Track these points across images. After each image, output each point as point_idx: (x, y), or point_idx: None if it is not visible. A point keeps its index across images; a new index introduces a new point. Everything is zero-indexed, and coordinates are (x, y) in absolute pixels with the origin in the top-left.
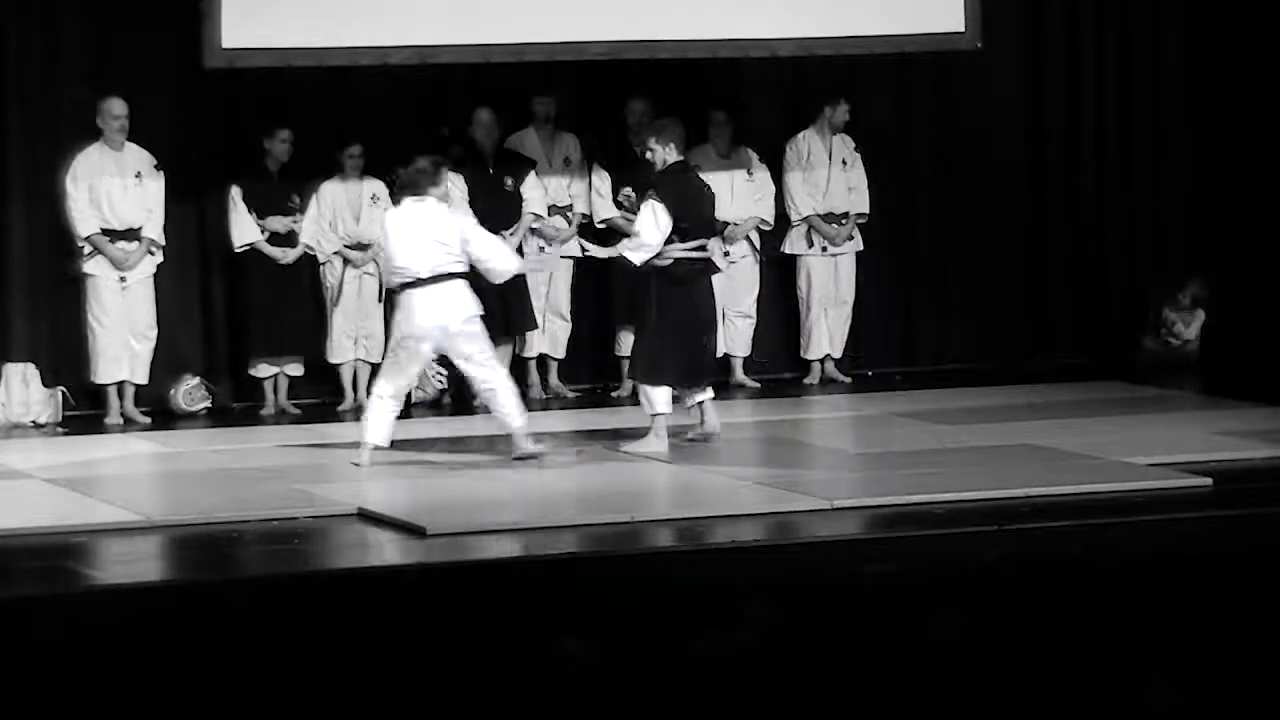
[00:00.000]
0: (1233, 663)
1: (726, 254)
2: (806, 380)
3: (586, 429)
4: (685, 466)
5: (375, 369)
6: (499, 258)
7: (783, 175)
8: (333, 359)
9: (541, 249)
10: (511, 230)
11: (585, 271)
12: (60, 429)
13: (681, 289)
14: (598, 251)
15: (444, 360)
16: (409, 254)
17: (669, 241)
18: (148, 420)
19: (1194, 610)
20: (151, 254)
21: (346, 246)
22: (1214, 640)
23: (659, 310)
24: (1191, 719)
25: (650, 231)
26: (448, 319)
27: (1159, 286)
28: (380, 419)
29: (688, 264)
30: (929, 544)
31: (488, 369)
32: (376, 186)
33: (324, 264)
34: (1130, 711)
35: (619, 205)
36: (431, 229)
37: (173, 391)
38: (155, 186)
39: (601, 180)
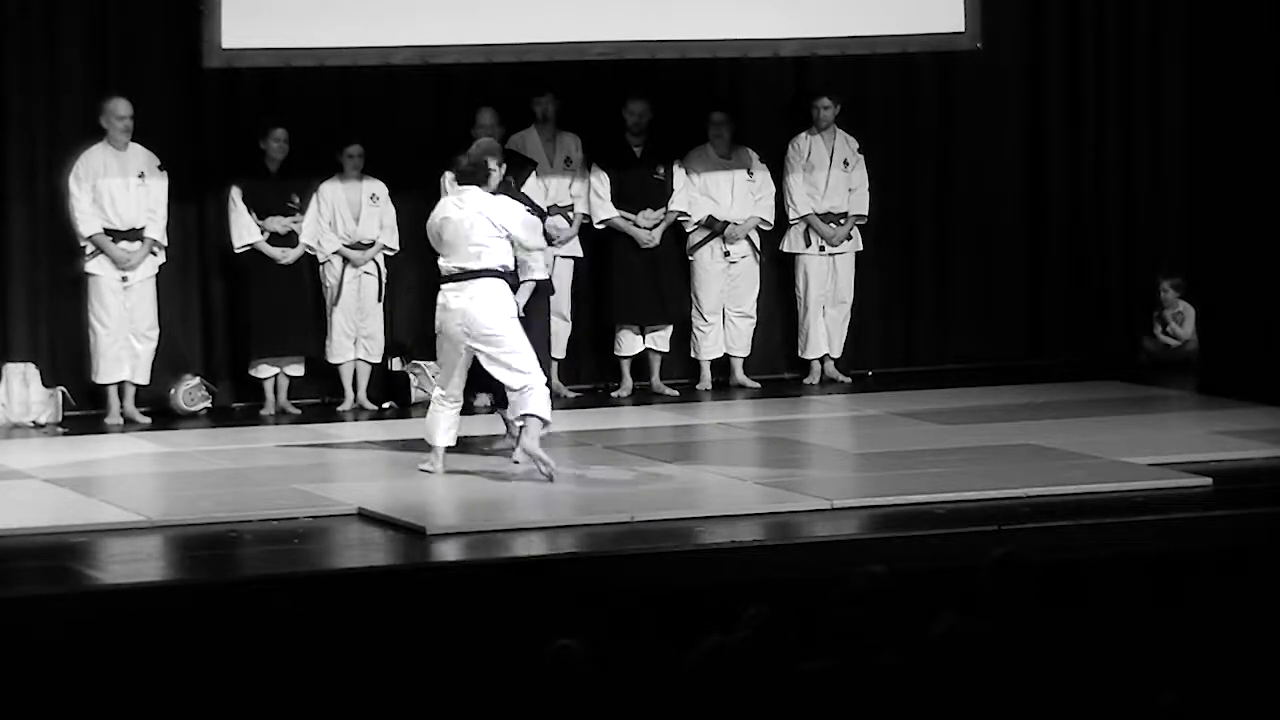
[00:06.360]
0: (1233, 663)
1: (727, 254)
2: (806, 380)
3: (586, 429)
4: (685, 466)
5: (375, 369)
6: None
7: (783, 175)
8: (333, 359)
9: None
10: None
11: (585, 272)
12: (60, 429)
13: None
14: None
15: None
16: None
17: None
18: (148, 420)
19: (1194, 610)
20: (154, 254)
21: (346, 246)
22: (1214, 640)
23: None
24: (1192, 719)
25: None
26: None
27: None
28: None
29: None
30: (929, 544)
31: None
32: (376, 186)
33: (324, 264)
34: (1131, 712)
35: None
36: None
37: (173, 391)
38: (158, 187)
39: (600, 181)
